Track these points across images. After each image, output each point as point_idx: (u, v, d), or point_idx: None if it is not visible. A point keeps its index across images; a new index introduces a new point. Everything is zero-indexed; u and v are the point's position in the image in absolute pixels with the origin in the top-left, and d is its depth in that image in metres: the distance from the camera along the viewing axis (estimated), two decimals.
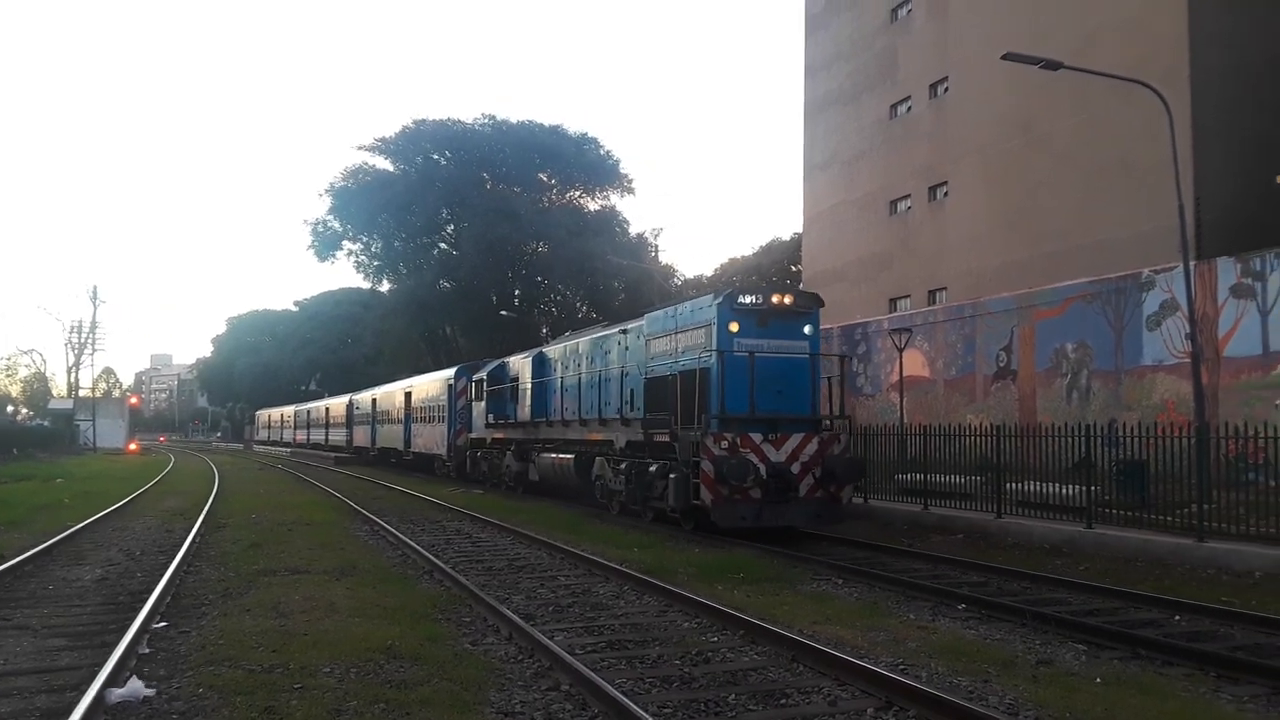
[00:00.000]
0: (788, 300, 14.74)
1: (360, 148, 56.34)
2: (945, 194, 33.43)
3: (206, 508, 19.77)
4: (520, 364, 24.20)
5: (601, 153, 54.30)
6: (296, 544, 14.16)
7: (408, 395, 36.74)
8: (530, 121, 53.94)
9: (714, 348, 14.38)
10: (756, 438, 13.89)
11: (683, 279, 57.12)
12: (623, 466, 17.14)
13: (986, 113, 30.98)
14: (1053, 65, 16.50)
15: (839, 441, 14.52)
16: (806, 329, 14.78)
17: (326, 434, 54.03)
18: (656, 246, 56.03)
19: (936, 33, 33.93)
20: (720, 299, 14.69)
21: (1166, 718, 5.83)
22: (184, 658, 7.36)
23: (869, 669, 6.55)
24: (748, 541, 13.91)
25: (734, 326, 14.40)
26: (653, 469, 15.71)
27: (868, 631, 8.23)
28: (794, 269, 49.70)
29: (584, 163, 53.67)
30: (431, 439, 33.34)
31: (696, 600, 9.19)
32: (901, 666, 6.97)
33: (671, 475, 14.84)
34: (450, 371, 31.86)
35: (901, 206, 35.93)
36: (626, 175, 55.50)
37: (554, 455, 20.58)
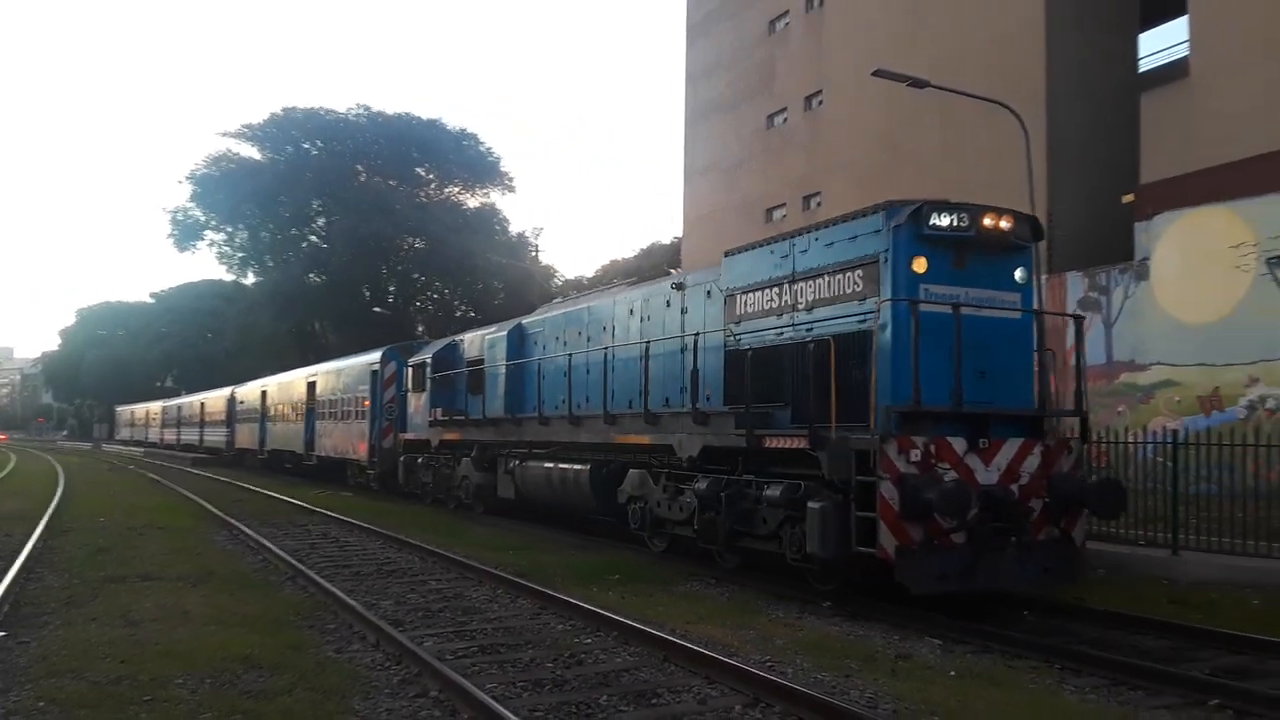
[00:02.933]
0: (1004, 224, 9.43)
1: (225, 134, 54.07)
2: (819, 204, 34.42)
3: (50, 511, 18.54)
4: (482, 342, 18.67)
5: (482, 149, 53.73)
6: (148, 549, 13.45)
7: (311, 386, 30.35)
8: (408, 114, 52.89)
9: (888, 296, 9.07)
10: (958, 445, 8.84)
11: (563, 279, 57.05)
12: (699, 486, 11.13)
13: (858, 127, 32.05)
14: (919, 83, 17.23)
15: (1069, 451, 9.47)
16: (1019, 273, 9.73)
17: (201, 433, 48.08)
18: (537, 246, 55.71)
19: (812, 46, 34.93)
20: (898, 216, 9.15)
21: (1014, 707, 6.14)
22: (23, 670, 6.88)
23: (737, 667, 6.67)
24: (626, 543, 13.80)
25: (920, 265, 9.10)
26: (772, 493, 9.89)
27: (738, 630, 8.37)
28: (672, 272, 50.24)
29: (463, 159, 52.94)
30: (345, 440, 26.81)
31: (571, 602, 9.17)
32: (769, 663, 7.13)
33: (811, 504, 9.12)
34: (374, 355, 25.15)
35: (778, 215, 36.82)
36: (507, 173, 55.15)
37: (551, 465, 15.02)
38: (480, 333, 19.43)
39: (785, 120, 36.66)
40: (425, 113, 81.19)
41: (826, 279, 10.02)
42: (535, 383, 15.77)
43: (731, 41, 39.56)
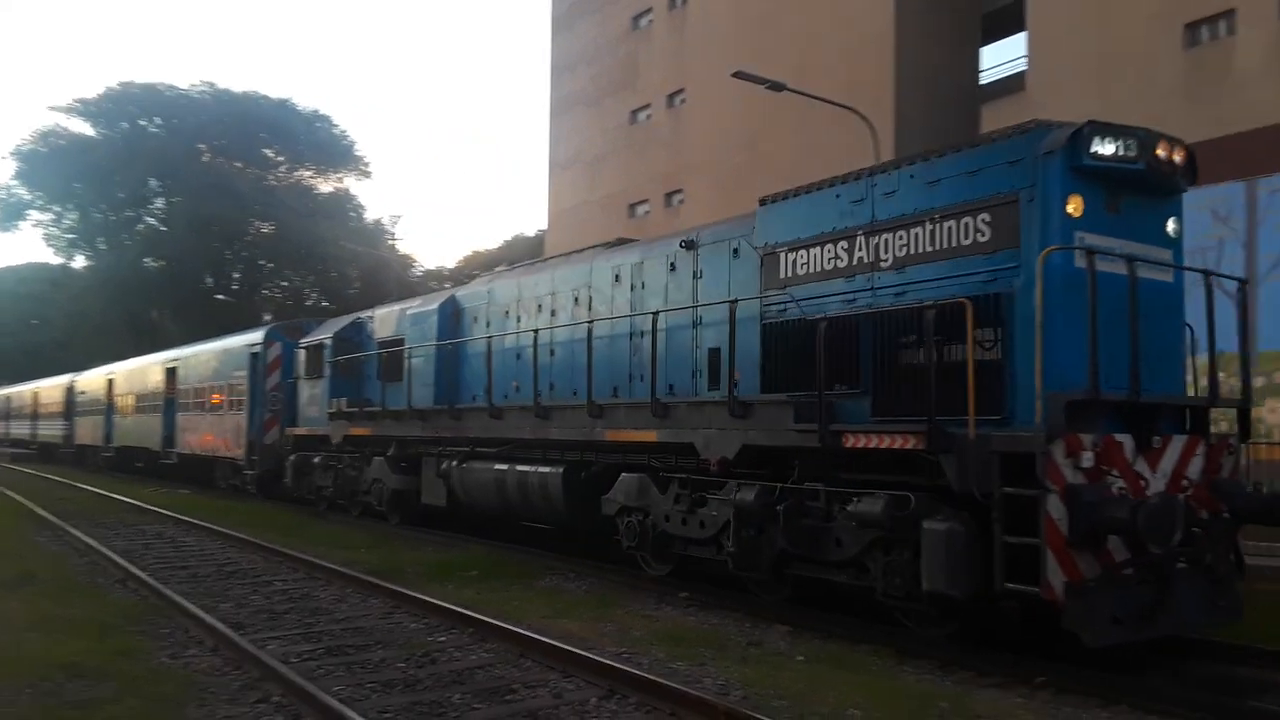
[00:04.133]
0: (1178, 158, 7.46)
1: (55, 108, 50.67)
2: (681, 202, 34.91)
3: None
4: (400, 319, 15.61)
5: (335, 132, 52.15)
6: None
7: (171, 372, 26.48)
8: (255, 93, 50.71)
9: (1037, 245, 6.93)
10: (1127, 445, 6.93)
11: (423, 270, 55.90)
12: (739, 496, 8.62)
13: (718, 127, 32.64)
14: (777, 86, 17.71)
15: (1229, 452, 7.66)
16: (1172, 225, 7.74)
17: (34, 427, 43.12)
18: (394, 234, 54.45)
19: (675, 45, 35.36)
20: (1050, 140, 7.09)
21: (858, 687, 6.38)
22: None
23: (593, 659, 6.68)
24: (480, 538, 13.60)
25: (1075, 205, 7.03)
26: (864, 508, 7.46)
27: (596, 623, 8.39)
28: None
29: (315, 141, 51.14)
30: (215, 435, 23.07)
31: (425, 600, 8.97)
32: (625, 655, 7.16)
33: (931, 524, 6.95)
34: (254, 335, 21.78)
35: (641, 210, 37.13)
36: (362, 158, 53.72)
37: (504, 467, 12.35)
38: (397, 307, 16.20)
39: (649, 117, 37.00)
40: (275, 92, 77.70)
41: (929, 227, 7.74)
42: (481, 367, 12.84)
43: (595, 36, 39.62)
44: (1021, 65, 25.58)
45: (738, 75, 17.81)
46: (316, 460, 17.78)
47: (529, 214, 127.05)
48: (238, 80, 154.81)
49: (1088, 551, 6.43)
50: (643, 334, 10.39)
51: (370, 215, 54.03)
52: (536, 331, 11.80)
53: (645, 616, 8.81)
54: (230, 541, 13.88)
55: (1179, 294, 7.72)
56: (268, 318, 47.30)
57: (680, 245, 10.38)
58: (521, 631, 7.60)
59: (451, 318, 14.35)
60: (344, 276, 50.92)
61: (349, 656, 7.24)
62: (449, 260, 73.77)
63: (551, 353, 11.98)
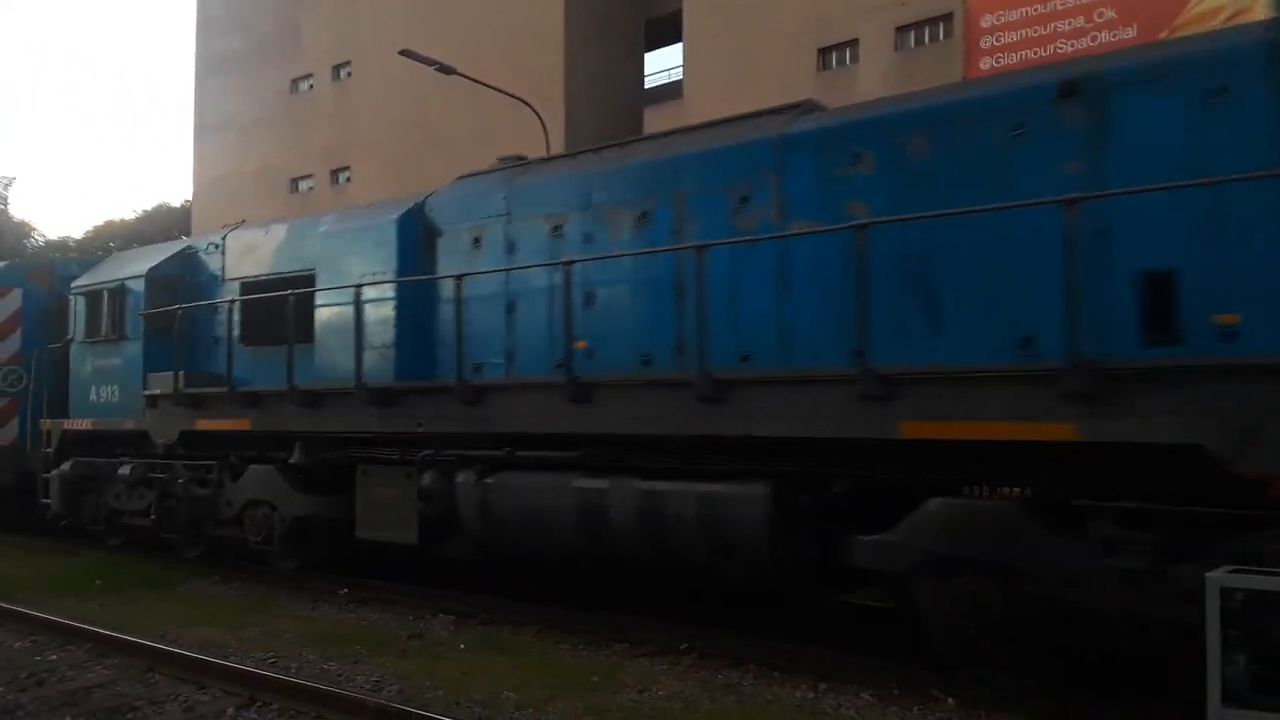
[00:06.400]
0: None
1: None
2: (348, 179, 33.40)
3: None
4: (291, 245, 10.48)
5: None
6: None
7: None
8: None
9: None
10: None
11: (44, 239, 48.95)
12: None
13: (387, 104, 31.60)
14: (446, 69, 17.45)
15: None
16: None
17: None
18: (6, 199, 47.22)
19: (341, 13, 33.71)
20: None
21: (517, 669, 6.48)
22: None
23: (229, 667, 6.24)
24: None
25: None
26: None
27: (240, 629, 7.81)
28: (183, 238, 45.60)
29: None
30: None
31: (31, 615, 7.87)
32: (271, 660, 6.75)
33: None
34: None
35: (304, 186, 35.09)
36: None
37: (596, 484, 7.37)
38: (281, 228, 10.87)
39: (311, 87, 35.03)
40: None
41: None
42: (512, 316, 8.41)
43: None
44: (680, 74, 27.26)
45: (405, 53, 17.31)
46: (127, 471, 11.20)
47: (174, 183, 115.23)
48: None
49: None
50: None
51: None
52: (704, 246, 6.77)
53: (298, 617, 8.36)
54: None
55: None
56: None
57: (1059, 88, 5.89)
58: (146, 643, 6.90)
59: (419, 242, 9.22)
60: None
61: None
62: (76, 230, 65.14)
63: (677, 291, 7.29)
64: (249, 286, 10.61)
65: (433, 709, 5.44)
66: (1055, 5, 17.26)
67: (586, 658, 6.96)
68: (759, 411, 6.40)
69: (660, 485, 6.98)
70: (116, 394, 11.59)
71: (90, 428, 11.81)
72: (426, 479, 8.44)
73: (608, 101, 28.45)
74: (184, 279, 11.45)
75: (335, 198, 33.77)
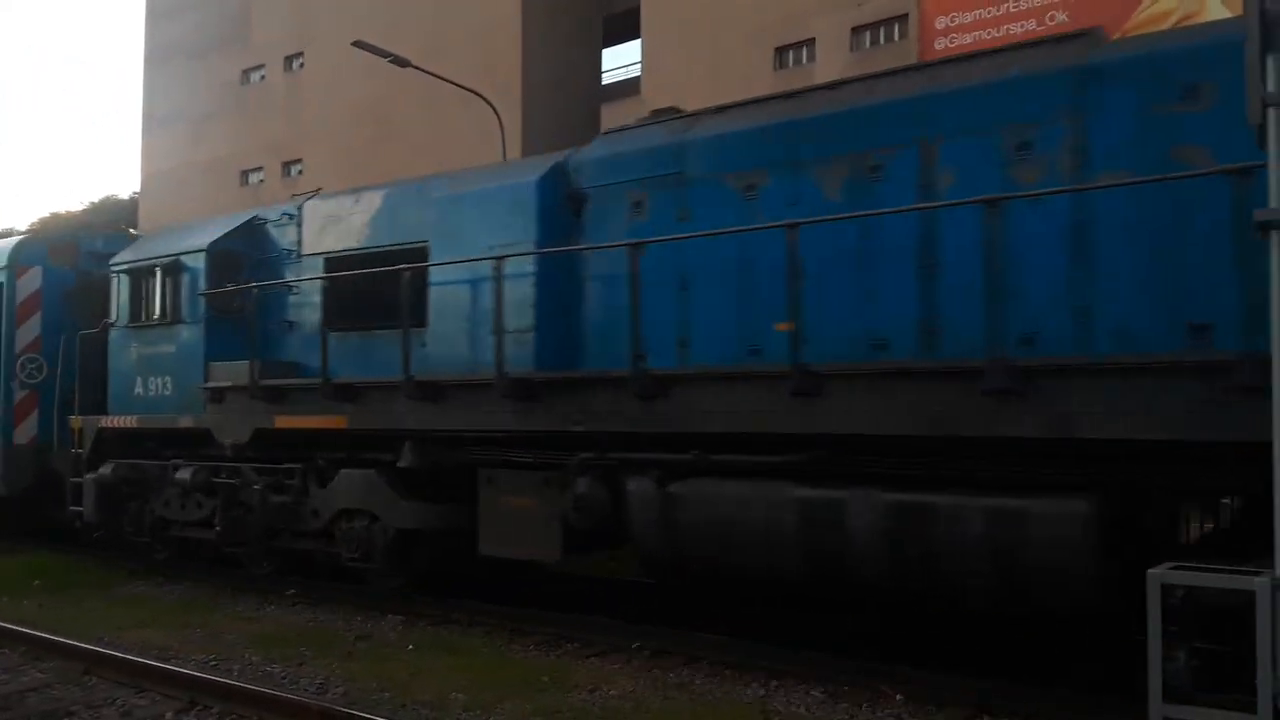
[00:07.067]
0: None
1: None
2: (300, 172, 32.87)
3: None
4: (391, 210, 9.01)
5: None
6: None
7: None
8: None
9: None
10: None
11: None
12: None
13: (342, 97, 31.13)
14: (401, 62, 17.23)
15: None
16: None
17: None
18: None
19: (293, 3, 33.14)
20: None
21: (465, 670, 6.41)
22: None
23: (168, 670, 6.11)
24: (53, 543, 11.60)
25: None
26: None
27: (183, 630, 7.67)
28: (132, 231, 44.64)
29: None
30: None
31: None
32: (213, 662, 6.62)
33: None
34: None
35: (254, 179, 34.48)
36: None
37: (833, 495, 6.07)
38: (368, 193, 9.36)
39: (263, 78, 34.41)
40: None
41: None
42: (691, 290, 7.12)
43: None
44: (638, 70, 27.20)
45: (358, 45, 17.05)
46: (187, 475, 9.65)
47: (121, 174, 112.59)
48: None
49: None
50: None
51: None
52: (996, 200, 5.47)
53: (245, 619, 8.22)
54: None
55: None
56: None
57: None
58: (84, 645, 6.72)
59: (561, 208, 7.86)
60: None
61: None
62: (19, 222, 63.48)
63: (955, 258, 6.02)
64: (335, 262, 9.07)
65: (378, 711, 5.36)
66: (1009, 8, 17.54)
67: (537, 658, 6.91)
68: (1085, 408, 5.07)
69: (926, 498, 5.72)
70: (169, 386, 9.97)
71: (135, 425, 10.16)
72: (581, 486, 7.06)
73: (565, 96, 28.31)
74: (250, 255, 9.93)
75: (286, 190, 33.25)
